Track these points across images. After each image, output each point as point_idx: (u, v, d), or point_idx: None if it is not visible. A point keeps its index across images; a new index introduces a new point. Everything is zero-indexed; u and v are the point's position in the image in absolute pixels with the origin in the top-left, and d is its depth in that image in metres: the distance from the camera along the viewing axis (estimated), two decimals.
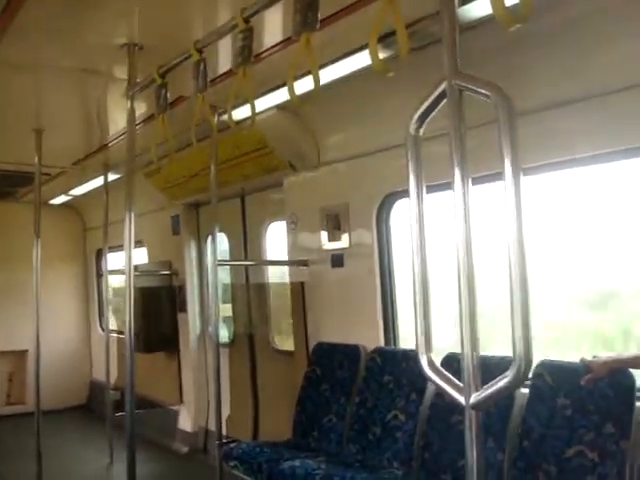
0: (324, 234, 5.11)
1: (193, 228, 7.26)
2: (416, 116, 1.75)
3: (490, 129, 1.60)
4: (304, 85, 2.71)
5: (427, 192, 1.77)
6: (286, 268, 5.87)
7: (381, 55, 2.22)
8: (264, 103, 4.49)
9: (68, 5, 3.12)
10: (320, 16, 2.35)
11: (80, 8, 3.16)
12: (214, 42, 3.04)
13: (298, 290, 5.46)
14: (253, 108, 2.86)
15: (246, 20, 2.68)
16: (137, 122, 3.93)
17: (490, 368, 1.66)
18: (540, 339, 3.81)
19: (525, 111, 3.04)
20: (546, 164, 3.56)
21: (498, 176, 1.57)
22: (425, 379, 1.76)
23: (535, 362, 3.03)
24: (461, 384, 1.63)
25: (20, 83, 4.33)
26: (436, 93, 1.70)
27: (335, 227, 5.01)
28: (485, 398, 1.57)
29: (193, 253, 7.24)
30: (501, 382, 1.54)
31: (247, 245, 6.53)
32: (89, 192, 8.31)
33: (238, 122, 3.35)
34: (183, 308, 7.24)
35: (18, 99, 4.75)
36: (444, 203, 2.09)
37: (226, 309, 6.87)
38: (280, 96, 4.34)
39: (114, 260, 7.52)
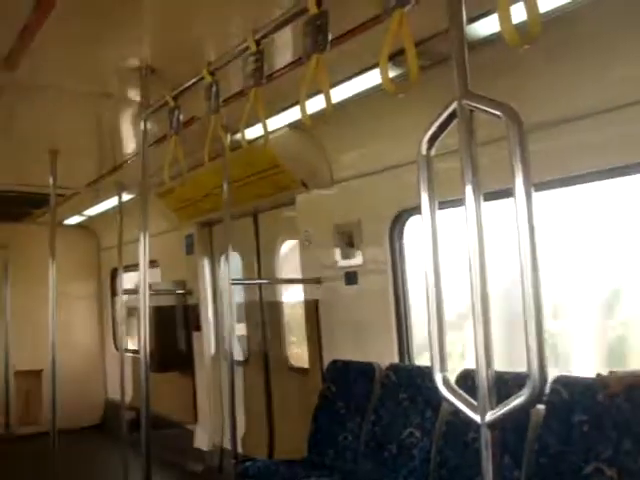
0: (337, 252, 5.12)
1: (206, 247, 7.29)
2: (427, 137, 1.76)
3: (501, 145, 1.61)
4: (316, 104, 2.74)
5: (439, 208, 1.78)
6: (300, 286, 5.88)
7: (391, 73, 2.23)
8: (276, 122, 4.53)
9: (83, 29, 3.18)
10: (330, 36, 2.38)
11: (94, 32, 3.21)
12: (226, 64, 3.08)
13: (312, 308, 5.46)
14: (265, 128, 2.89)
15: (257, 42, 2.72)
16: (150, 143, 3.97)
17: (506, 384, 1.65)
18: None
19: (535, 127, 3.04)
20: (557, 179, 3.56)
21: (510, 192, 1.58)
22: (441, 396, 1.76)
23: (551, 377, 3.02)
24: (476, 403, 1.62)
25: (35, 105, 4.38)
26: (446, 113, 1.71)
27: (348, 244, 5.02)
28: (501, 416, 1.56)
29: (207, 272, 7.27)
30: (517, 400, 1.53)
31: (260, 263, 6.55)
32: (103, 212, 8.37)
33: (250, 141, 3.38)
34: (197, 327, 7.25)
35: (33, 121, 4.80)
36: (456, 219, 2.10)
37: (240, 328, 6.88)
38: (292, 115, 4.37)
39: (129, 280, 7.55)
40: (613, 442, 3.06)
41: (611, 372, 3.17)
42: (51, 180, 5.57)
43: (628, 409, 3.06)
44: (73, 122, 4.92)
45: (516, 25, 1.73)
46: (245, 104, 2.81)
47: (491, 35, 2.92)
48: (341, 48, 3.03)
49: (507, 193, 1.63)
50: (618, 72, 3.23)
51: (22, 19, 3.03)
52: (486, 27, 2.86)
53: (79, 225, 9.59)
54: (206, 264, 7.28)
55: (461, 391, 1.69)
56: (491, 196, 3.21)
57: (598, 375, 3.19)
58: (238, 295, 6.80)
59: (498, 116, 1.60)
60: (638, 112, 3.11)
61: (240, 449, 4.99)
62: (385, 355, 4.68)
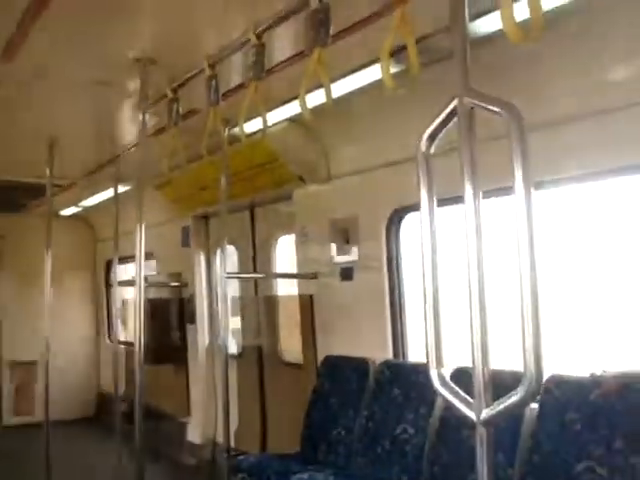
0: (333, 247, 5.12)
1: (203, 240, 7.29)
2: (427, 134, 1.76)
3: (501, 143, 1.60)
4: (315, 98, 2.73)
5: (437, 205, 1.78)
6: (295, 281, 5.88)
7: (392, 70, 2.24)
8: (275, 116, 4.52)
9: (83, 19, 3.16)
10: (332, 31, 2.38)
11: (95, 22, 3.20)
12: (226, 57, 3.07)
13: (307, 303, 5.46)
14: (265, 122, 2.89)
15: (258, 36, 2.71)
16: (148, 134, 3.96)
17: (502, 382, 1.65)
18: None
19: (536, 125, 3.04)
20: (557, 178, 3.56)
21: (509, 189, 1.58)
22: (435, 392, 1.76)
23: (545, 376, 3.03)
24: (472, 400, 1.62)
25: (33, 95, 4.37)
26: (447, 111, 1.71)
27: (345, 240, 5.02)
28: (496, 414, 1.56)
29: (202, 265, 7.26)
30: (512, 398, 1.53)
31: (256, 258, 6.55)
32: (100, 203, 8.35)
33: (249, 135, 3.38)
34: (192, 320, 7.25)
35: (31, 111, 4.79)
36: (455, 216, 2.10)
37: (235, 321, 6.88)
38: (291, 109, 4.36)
39: (124, 271, 7.55)
40: (605, 441, 3.07)
41: (604, 371, 3.18)
42: (48, 170, 5.55)
43: (620, 408, 3.07)
44: (71, 113, 4.91)
45: (519, 23, 1.73)
46: (245, 97, 2.80)
47: (493, 32, 2.91)
48: (342, 43, 3.03)
49: (506, 191, 1.63)
50: (621, 71, 3.23)
51: (20, 9, 3.02)
52: (488, 24, 2.85)
53: (75, 216, 9.57)
54: (202, 257, 7.28)
55: (457, 388, 1.69)
56: (490, 194, 3.22)
57: (592, 374, 3.20)
58: (233, 289, 6.79)
59: (499, 113, 1.59)
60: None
61: (233, 443, 4.99)
62: (380, 351, 4.69)
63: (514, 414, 3.29)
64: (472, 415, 1.61)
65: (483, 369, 1.61)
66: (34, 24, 3.13)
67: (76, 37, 3.38)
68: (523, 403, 1.54)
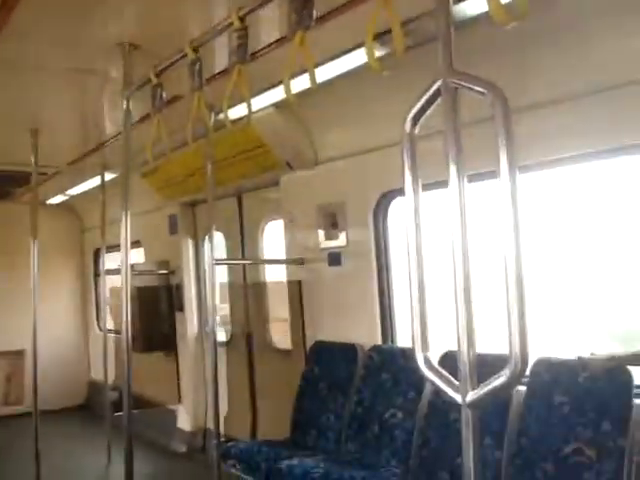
0: (321, 233, 5.11)
1: (190, 227, 7.26)
2: (411, 114, 1.74)
3: (486, 126, 1.59)
4: (300, 83, 2.71)
5: (423, 190, 1.77)
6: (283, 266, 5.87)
7: (377, 53, 2.21)
8: (260, 102, 4.48)
9: (63, 4, 3.11)
10: (316, 14, 2.35)
11: (75, 7, 3.15)
12: (210, 41, 3.03)
13: (295, 289, 5.46)
14: (249, 107, 2.85)
15: (241, 19, 2.68)
16: (133, 121, 3.92)
17: (487, 365, 1.65)
18: None
19: (521, 108, 3.04)
20: (542, 161, 3.56)
21: (494, 174, 1.57)
22: (423, 377, 1.76)
23: (532, 359, 3.04)
24: (457, 383, 1.62)
25: (15, 82, 4.32)
26: (431, 91, 1.70)
27: (332, 226, 5.01)
28: (482, 397, 1.56)
29: (190, 252, 7.24)
30: (497, 381, 1.53)
31: (244, 244, 6.53)
32: (86, 192, 8.29)
33: (234, 121, 3.35)
34: (181, 307, 7.24)
35: (13, 98, 4.73)
36: (440, 200, 2.09)
37: (224, 308, 6.87)
38: (276, 94, 4.33)
39: (112, 260, 7.51)
40: (593, 423, 3.09)
41: (592, 354, 3.20)
42: (32, 158, 5.51)
43: (607, 390, 3.09)
44: (54, 99, 4.85)
45: (504, 4, 1.71)
46: (229, 82, 2.77)
47: (478, 15, 2.90)
48: (326, 26, 3.00)
49: (492, 175, 1.62)
50: (603, 54, 3.22)
51: None
52: (473, 6, 2.84)
53: (62, 204, 9.50)
54: (189, 244, 7.25)
55: (443, 371, 1.69)
56: (477, 178, 3.21)
57: (579, 357, 3.22)
58: (222, 275, 6.77)
59: (482, 93, 1.58)
60: (624, 94, 3.11)
61: (223, 430, 5.00)
62: (368, 336, 4.69)
63: (502, 397, 3.31)
64: (458, 397, 1.61)
65: (469, 352, 1.60)
66: (14, 9, 3.08)
67: (57, 22, 3.33)
68: (509, 385, 1.54)
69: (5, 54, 3.72)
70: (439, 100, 1.69)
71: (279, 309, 6.10)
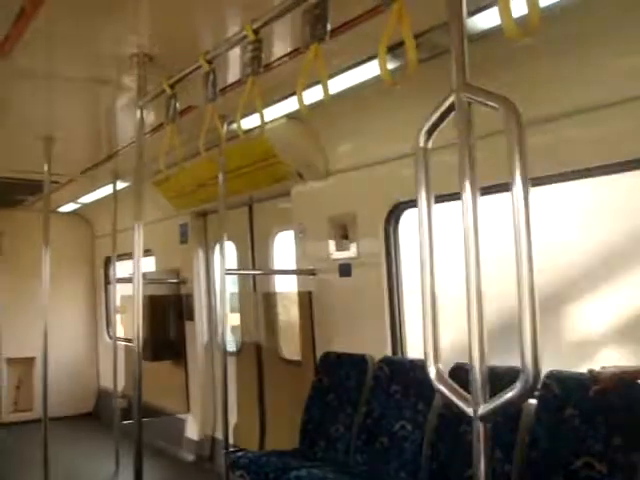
0: (332, 243, 5.11)
1: (201, 237, 7.28)
2: (425, 129, 1.76)
3: (499, 138, 1.60)
4: (313, 95, 2.73)
5: (435, 202, 1.78)
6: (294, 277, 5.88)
7: (390, 66, 2.23)
8: (273, 112, 4.51)
9: (79, 15, 3.15)
10: (329, 27, 2.37)
11: (91, 18, 3.19)
12: (224, 53, 3.06)
13: (306, 299, 5.46)
14: (262, 118, 2.88)
15: (255, 31, 2.70)
16: (146, 131, 3.95)
17: (499, 378, 1.65)
18: None
19: (534, 121, 3.04)
20: (555, 175, 3.56)
21: (506, 186, 1.58)
22: (433, 389, 1.76)
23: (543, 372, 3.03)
24: (469, 396, 1.62)
25: (31, 91, 4.36)
26: (445, 106, 1.71)
27: (343, 236, 5.02)
28: (493, 410, 1.56)
29: (201, 261, 7.26)
30: (509, 394, 1.53)
31: (255, 254, 6.54)
32: (98, 200, 8.35)
33: (247, 131, 3.37)
34: (191, 316, 7.25)
35: (28, 107, 4.78)
36: (452, 212, 2.09)
37: (234, 318, 6.88)
38: (289, 106, 4.36)
39: (122, 268, 7.54)
40: (603, 437, 3.07)
41: (603, 367, 3.18)
42: (45, 167, 5.55)
43: (619, 405, 3.07)
44: (69, 109, 4.90)
45: (516, 19, 1.72)
46: (242, 93, 2.80)
47: (490, 28, 2.91)
48: (340, 39, 3.02)
49: (504, 187, 1.62)
50: (618, 67, 3.22)
51: (17, 4, 3.01)
52: (486, 20, 2.85)
53: (73, 213, 9.56)
54: (200, 254, 7.27)
55: (454, 384, 1.69)
56: (489, 190, 3.21)
57: (590, 370, 3.20)
58: (232, 285, 6.78)
59: (496, 108, 1.59)
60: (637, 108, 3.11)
61: (232, 439, 5.00)
62: (378, 347, 4.69)
63: (512, 410, 3.30)
64: (469, 410, 1.61)
65: (480, 365, 1.61)
66: (31, 20, 3.12)
67: (73, 33, 3.38)
68: (521, 399, 1.54)
69: (21, 63, 3.76)
70: (452, 114, 1.70)
71: (289, 319, 6.10)
